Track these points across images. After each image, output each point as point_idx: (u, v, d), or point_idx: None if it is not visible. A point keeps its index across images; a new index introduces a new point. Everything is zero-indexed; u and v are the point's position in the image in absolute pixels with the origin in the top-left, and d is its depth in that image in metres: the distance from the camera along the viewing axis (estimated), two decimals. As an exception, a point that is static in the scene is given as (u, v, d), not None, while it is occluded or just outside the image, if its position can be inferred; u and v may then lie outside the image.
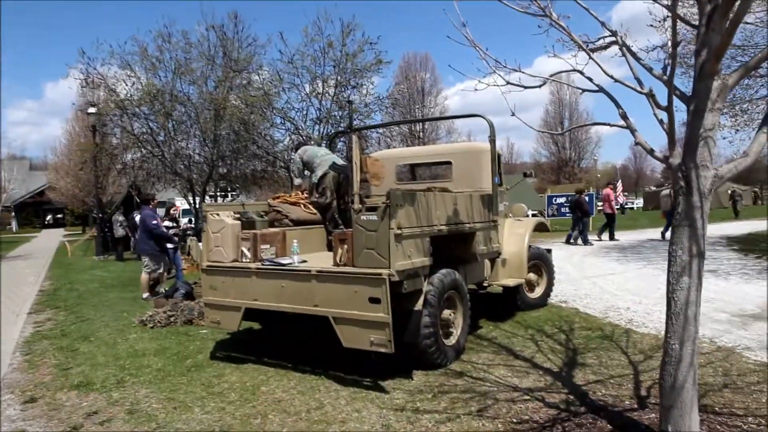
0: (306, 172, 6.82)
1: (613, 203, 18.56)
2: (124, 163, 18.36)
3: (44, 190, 41.27)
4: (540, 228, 8.28)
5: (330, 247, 5.18)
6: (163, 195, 28.02)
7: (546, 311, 7.65)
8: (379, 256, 4.47)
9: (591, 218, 19.10)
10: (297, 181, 7.11)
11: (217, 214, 5.53)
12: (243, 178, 18.70)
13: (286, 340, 6.31)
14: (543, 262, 8.02)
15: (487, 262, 6.69)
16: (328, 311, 4.72)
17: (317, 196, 6.51)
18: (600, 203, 19.46)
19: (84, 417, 4.38)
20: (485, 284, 6.93)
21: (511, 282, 6.91)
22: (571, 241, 17.13)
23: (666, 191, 18.76)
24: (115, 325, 7.58)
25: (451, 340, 5.37)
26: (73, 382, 5.19)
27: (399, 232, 4.46)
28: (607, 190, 18.60)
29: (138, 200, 20.56)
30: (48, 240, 31.47)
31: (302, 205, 6.38)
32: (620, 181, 30.48)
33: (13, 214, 47.32)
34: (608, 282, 9.91)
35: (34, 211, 47.66)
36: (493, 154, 6.50)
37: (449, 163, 7.25)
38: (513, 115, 4.21)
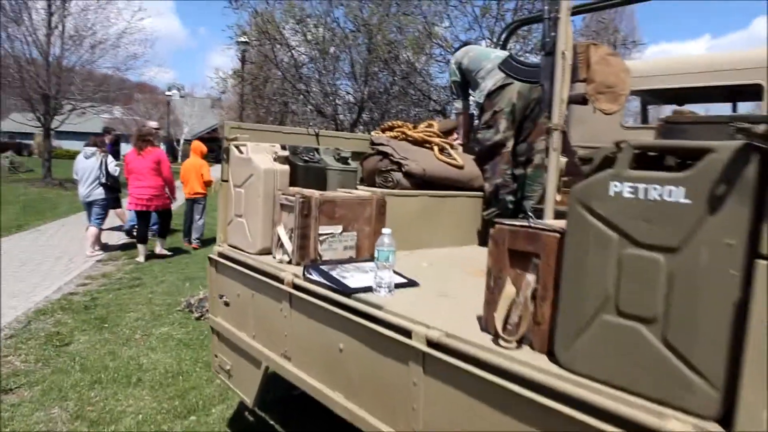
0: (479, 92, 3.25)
1: None
2: (265, 97, 16.78)
3: (218, 127, 43.35)
4: None
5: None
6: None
7: None
8: (680, 361, 1.06)
9: None
10: (457, 105, 3.82)
11: (243, 148, 2.56)
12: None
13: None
14: None
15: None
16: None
17: (483, 127, 3.24)
18: None
19: None
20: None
21: None
22: None
23: None
24: (160, 303, 5.26)
25: None
26: (-30, 438, 2.79)
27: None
28: None
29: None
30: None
31: (436, 148, 3.15)
32: None
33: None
34: None
35: (209, 146, 51.02)
36: None
37: (757, 88, 3.46)
38: None
